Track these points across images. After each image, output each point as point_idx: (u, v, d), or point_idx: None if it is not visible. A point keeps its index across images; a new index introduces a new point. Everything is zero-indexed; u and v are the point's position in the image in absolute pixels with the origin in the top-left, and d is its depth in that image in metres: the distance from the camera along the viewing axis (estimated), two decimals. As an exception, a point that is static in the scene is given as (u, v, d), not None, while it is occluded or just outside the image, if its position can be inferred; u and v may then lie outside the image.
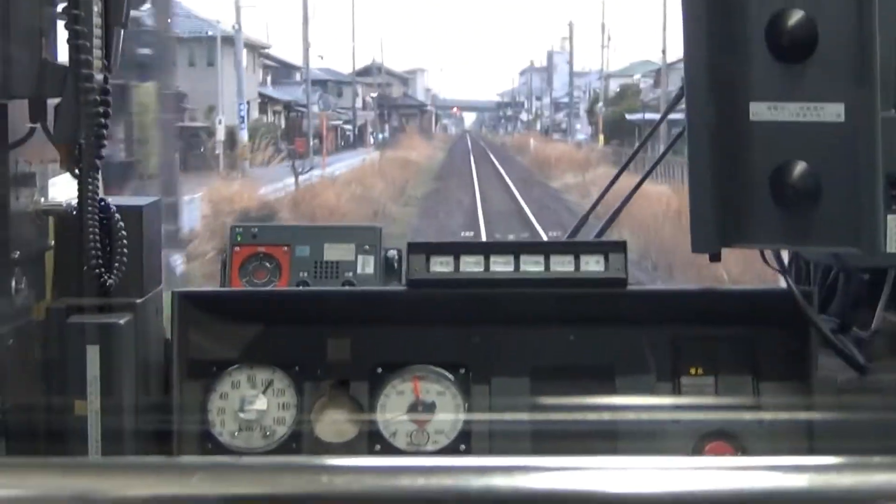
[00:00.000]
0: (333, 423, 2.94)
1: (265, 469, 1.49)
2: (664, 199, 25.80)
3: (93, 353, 2.59)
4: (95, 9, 2.41)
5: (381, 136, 71.98)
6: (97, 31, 2.43)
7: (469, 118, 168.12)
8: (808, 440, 2.88)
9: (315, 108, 51.05)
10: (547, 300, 2.92)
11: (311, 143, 40.06)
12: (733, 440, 2.89)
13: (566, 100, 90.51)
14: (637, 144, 3.83)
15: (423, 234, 27.69)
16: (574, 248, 2.93)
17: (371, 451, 2.91)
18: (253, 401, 2.90)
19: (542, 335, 2.96)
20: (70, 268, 2.67)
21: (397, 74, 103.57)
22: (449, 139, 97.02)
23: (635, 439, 2.90)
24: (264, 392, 2.92)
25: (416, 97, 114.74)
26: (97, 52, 2.42)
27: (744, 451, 2.88)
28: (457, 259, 2.90)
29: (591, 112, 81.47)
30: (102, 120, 2.43)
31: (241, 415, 2.89)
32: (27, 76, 2.36)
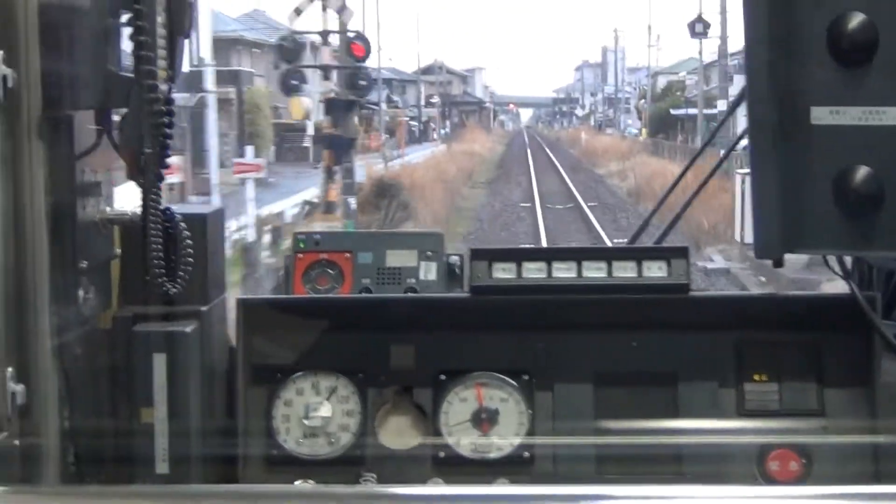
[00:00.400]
0: (397, 429, 2.94)
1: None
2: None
3: (159, 361, 2.60)
4: (159, 19, 2.42)
5: (442, 131, 77.08)
6: (161, 42, 2.44)
7: (525, 114, 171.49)
8: (872, 448, 2.85)
9: (383, 106, 55.66)
10: (609, 306, 2.91)
11: (384, 138, 45.75)
12: (797, 448, 2.86)
13: (625, 95, 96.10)
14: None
15: (491, 207, 34.79)
16: (636, 254, 2.92)
17: (434, 459, 2.90)
18: (317, 408, 2.91)
19: (604, 341, 2.94)
20: (135, 276, 2.68)
21: (457, 73, 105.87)
22: (507, 134, 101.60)
23: (700, 450, 2.88)
24: (329, 399, 2.92)
25: (474, 94, 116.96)
26: (161, 63, 2.43)
27: (808, 460, 2.85)
28: (519, 266, 2.90)
29: (638, 107, 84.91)
30: (167, 129, 2.44)
31: (306, 422, 2.90)
32: (93, 87, 2.38)
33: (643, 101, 77.87)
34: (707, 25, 52.07)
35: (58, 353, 2.39)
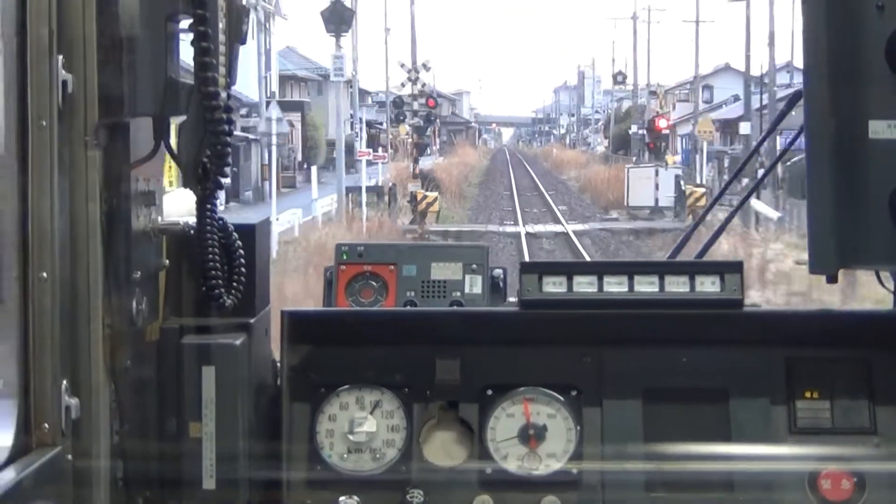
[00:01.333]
0: (443, 445, 2.89)
1: None
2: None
3: (208, 375, 2.55)
4: (220, 26, 2.38)
5: (434, 147, 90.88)
6: (221, 48, 2.40)
7: (507, 133, 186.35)
8: None
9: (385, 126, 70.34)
10: (661, 321, 2.87)
11: (389, 152, 58.14)
12: (849, 466, 2.82)
13: (597, 116, 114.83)
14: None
15: (483, 196, 51.30)
16: (689, 269, 2.88)
17: (481, 475, 2.86)
18: (362, 422, 2.86)
19: (654, 356, 2.90)
20: (183, 287, 2.64)
21: (445, 96, 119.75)
22: (490, 151, 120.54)
23: (752, 477, 2.84)
24: (373, 414, 2.87)
25: (461, 115, 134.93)
26: (221, 70, 2.39)
27: (860, 479, 2.81)
28: (570, 279, 2.85)
29: (606, 128, 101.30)
30: (227, 138, 2.39)
31: (351, 437, 2.85)
32: (151, 93, 2.33)
33: (600, 123, 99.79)
34: (624, 76, 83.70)
35: (110, 366, 2.35)
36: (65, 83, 2.17)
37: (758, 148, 3.47)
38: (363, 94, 78.12)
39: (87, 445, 2.30)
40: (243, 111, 47.47)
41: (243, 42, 2.50)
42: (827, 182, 2.64)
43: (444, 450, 2.89)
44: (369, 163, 46.39)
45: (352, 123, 55.68)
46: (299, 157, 58.94)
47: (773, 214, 30.01)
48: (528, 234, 35.92)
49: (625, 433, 2.86)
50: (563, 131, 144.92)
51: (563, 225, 38.42)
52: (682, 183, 39.88)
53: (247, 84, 46.59)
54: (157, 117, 2.41)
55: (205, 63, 2.32)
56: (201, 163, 2.44)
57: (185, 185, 2.47)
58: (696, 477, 2.84)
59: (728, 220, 3.28)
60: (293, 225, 32.67)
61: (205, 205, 2.48)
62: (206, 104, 2.35)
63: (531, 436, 2.86)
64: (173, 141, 2.50)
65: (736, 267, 2.87)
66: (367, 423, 2.86)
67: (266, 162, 41.20)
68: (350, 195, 38.33)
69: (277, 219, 29.78)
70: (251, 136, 45.26)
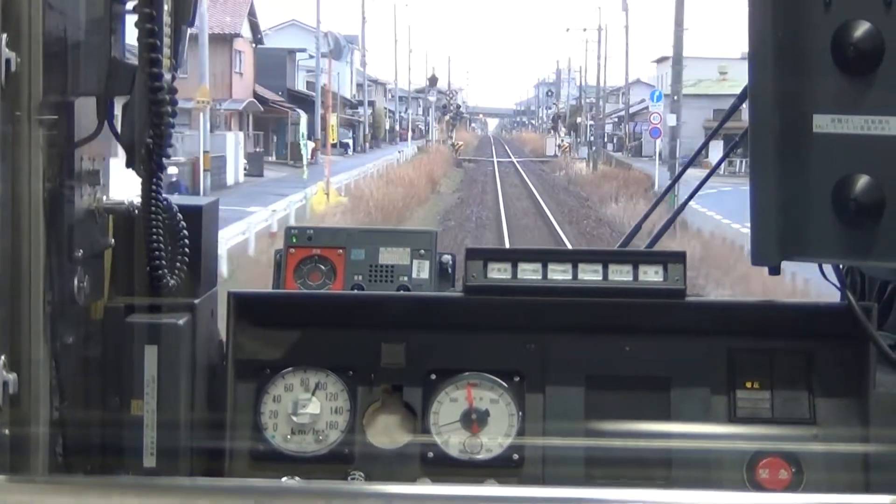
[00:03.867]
0: (386, 428, 2.92)
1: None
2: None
3: (151, 353, 2.57)
4: (166, 7, 2.40)
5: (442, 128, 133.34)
6: (166, 30, 2.42)
7: (492, 123, 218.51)
8: (863, 458, 2.85)
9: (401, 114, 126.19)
10: (604, 309, 2.90)
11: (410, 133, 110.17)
12: (788, 458, 2.85)
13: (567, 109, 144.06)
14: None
15: (475, 161, 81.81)
16: (633, 258, 2.90)
17: (423, 459, 2.88)
18: (306, 404, 2.88)
19: (597, 344, 2.93)
20: (127, 267, 2.66)
21: (444, 91, 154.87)
22: (478, 136, 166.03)
23: (691, 457, 2.87)
24: (317, 395, 2.89)
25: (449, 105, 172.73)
26: (166, 52, 2.41)
27: (798, 468, 2.84)
28: (514, 266, 2.88)
29: (564, 119, 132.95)
30: (170, 119, 2.41)
31: (294, 418, 2.87)
32: (96, 73, 2.35)
33: (553, 113, 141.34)
34: (556, 93, 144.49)
35: (50, 343, 2.36)
36: (8, 61, 2.18)
37: (704, 145, 3.49)
38: (377, 84, 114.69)
39: (26, 420, 2.31)
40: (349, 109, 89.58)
41: (191, 24, 2.52)
42: (770, 174, 2.66)
43: (387, 432, 2.92)
44: (401, 137, 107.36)
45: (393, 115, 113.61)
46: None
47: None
48: (497, 162, 79.85)
49: (566, 419, 2.89)
50: (538, 122, 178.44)
51: (511, 158, 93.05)
52: (560, 144, 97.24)
53: (346, 89, 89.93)
54: (101, 97, 2.43)
55: (149, 44, 2.34)
56: (144, 143, 2.46)
57: (128, 166, 2.48)
58: (636, 454, 2.86)
59: (676, 213, 3.31)
60: (404, 153, 74.84)
61: (149, 185, 2.49)
62: (149, 85, 2.36)
63: (473, 420, 2.88)
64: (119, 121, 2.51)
65: (679, 257, 2.90)
66: (311, 405, 2.88)
67: (366, 133, 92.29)
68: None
69: (401, 151, 75.79)
70: (357, 119, 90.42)
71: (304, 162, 48.52)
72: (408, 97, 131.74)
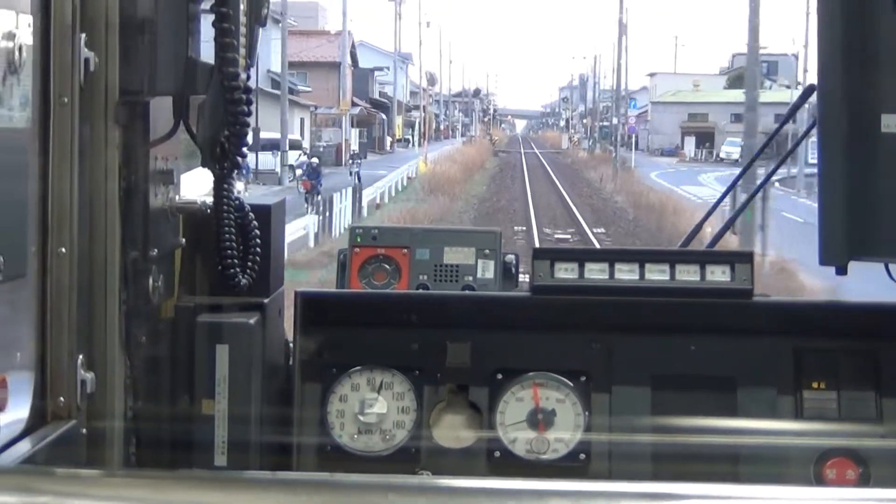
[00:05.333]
0: (452, 428, 2.92)
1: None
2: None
3: (222, 353, 2.58)
4: (242, 7, 2.41)
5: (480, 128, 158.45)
6: (242, 30, 2.43)
7: (520, 124, 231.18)
8: None
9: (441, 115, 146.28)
10: (671, 309, 2.89)
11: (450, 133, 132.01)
12: (855, 457, 2.84)
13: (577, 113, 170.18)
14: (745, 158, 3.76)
15: (507, 153, 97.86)
16: (700, 258, 2.90)
17: (489, 458, 2.88)
18: (372, 404, 2.88)
19: (663, 344, 2.92)
20: (198, 265, 2.67)
21: (482, 97, 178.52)
22: (507, 136, 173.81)
23: (757, 454, 2.86)
24: (383, 395, 2.90)
25: (489, 110, 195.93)
26: (242, 51, 2.42)
27: (865, 468, 2.83)
28: (581, 266, 2.87)
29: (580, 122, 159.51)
30: (246, 119, 2.42)
31: (361, 418, 2.87)
32: (172, 73, 2.36)
33: (572, 117, 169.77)
34: (570, 100, 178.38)
35: (125, 342, 2.38)
36: (87, 61, 2.20)
37: (768, 142, 3.48)
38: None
39: (101, 419, 2.33)
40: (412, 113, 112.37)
41: (263, 24, 2.53)
42: (838, 175, 2.65)
43: (453, 432, 2.92)
44: (444, 136, 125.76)
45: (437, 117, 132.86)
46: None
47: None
48: (524, 152, 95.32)
49: (633, 419, 2.89)
50: (563, 123, 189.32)
51: (534, 150, 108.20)
52: (570, 139, 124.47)
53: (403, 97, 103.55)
54: (177, 97, 2.44)
55: (225, 44, 2.35)
56: (219, 142, 2.46)
57: (203, 165, 2.49)
58: (702, 451, 2.86)
59: (738, 212, 3.29)
60: (456, 145, 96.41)
61: (222, 184, 2.50)
62: (225, 85, 2.37)
63: (540, 420, 2.88)
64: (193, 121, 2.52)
65: (746, 257, 2.89)
66: (378, 405, 2.88)
67: (423, 130, 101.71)
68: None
69: (452, 143, 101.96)
70: (413, 120, 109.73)
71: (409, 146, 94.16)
72: (448, 101, 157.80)
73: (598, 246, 28.89)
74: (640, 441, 2.88)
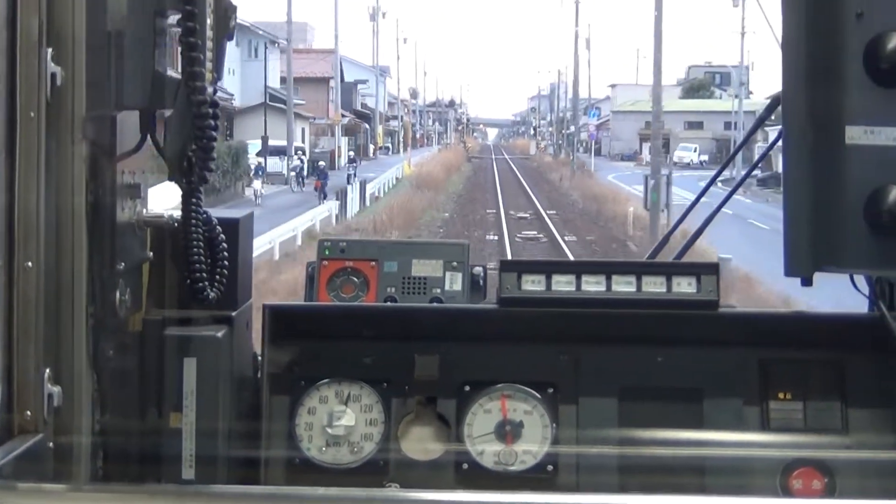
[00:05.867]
0: (420, 440, 2.93)
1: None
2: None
3: (190, 366, 2.58)
4: (208, 21, 2.41)
5: (454, 136, 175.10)
6: (209, 44, 2.43)
7: (492, 133, 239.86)
8: (895, 466, 2.86)
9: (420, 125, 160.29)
10: (637, 320, 2.91)
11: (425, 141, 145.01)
12: (822, 468, 2.86)
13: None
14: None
15: (479, 160, 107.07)
16: (666, 270, 2.91)
17: (458, 470, 2.89)
18: (340, 416, 2.89)
19: (630, 355, 2.94)
20: (165, 279, 2.67)
21: (446, 104, 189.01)
22: (480, 144, 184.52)
23: (724, 465, 2.88)
24: (352, 407, 2.90)
25: (461, 119, 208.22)
26: (208, 65, 2.42)
27: (831, 479, 2.85)
28: (548, 278, 2.89)
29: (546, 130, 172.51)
30: (212, 132, 2.42)
31: (329, 430, 2.88)
32: (139, 87, 2.36)
33: (540, 125, 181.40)
34: (537, 110, 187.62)
35: (93, 355, 2.37)
36: (53, 76, 2.20)
37: (735, 154, 3.49)
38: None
39: (68, 432, 2.32)
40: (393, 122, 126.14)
41: (230, 38, 2.53)
42: (803, 185, 2.67)
43: (421, 444, 2.92)
44: (420, 144, 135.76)
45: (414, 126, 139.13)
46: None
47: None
48: (495, 158, 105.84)
49: (600, 429, 2.90)
50: (532, 132, 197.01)
51: (504, 156, 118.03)
52: (538, 146, 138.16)
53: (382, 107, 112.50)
54: (144, 111, 2.44)
55: (192, 58, 2.35)
56: (186, 156, 2.47)
57: (171, 179, 2.49)
58: (669, 462, 2.87)
59: (705, 223, 3.31)
60: (433, 152, 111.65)
61: (189, 198, 2.50)
62: (192, 98, 2.38)
63: (507, 432, 2.89)
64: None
65: (712, 269, 2.91)
66: (346, 417, 2.89)
67: (401, 139, 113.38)
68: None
69: (429, 150, 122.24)
70: (395, 129, 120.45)
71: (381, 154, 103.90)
72: (423, 111, 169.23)
73: (553, 229, 37.16)
74: (608, 453, 2.89)
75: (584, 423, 2.92)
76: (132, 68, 2.33)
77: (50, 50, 2.19)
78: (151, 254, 2.63)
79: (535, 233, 37.46)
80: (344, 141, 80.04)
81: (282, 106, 61.05)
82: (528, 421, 2.90)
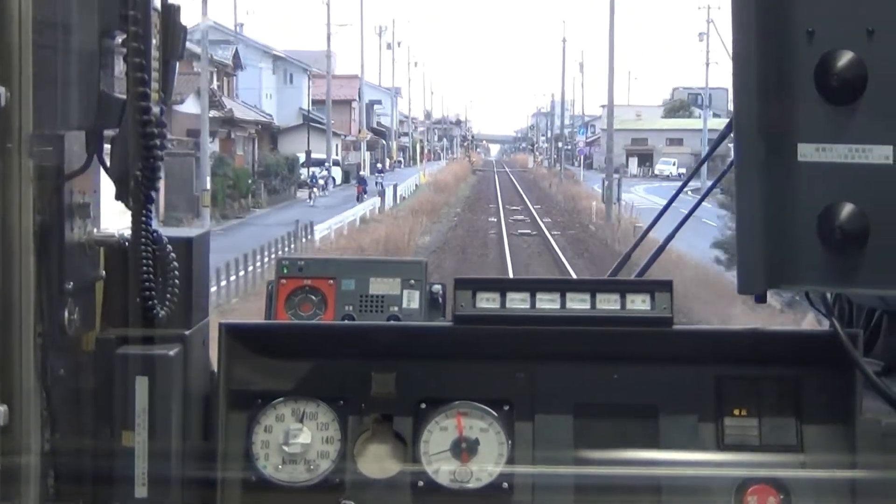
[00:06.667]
0: (376, 458, 2.93)
1: None
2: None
3: (141, 385, 2.59)
4: (154, 41, 2.42)
5: (459, 152, 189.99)
6: (155, 64, 2.45)
7: (494, 148, 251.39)
8: (850, 484, 2.86)
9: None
10: (592, 338, 2.91)
11: (432, 156, 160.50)
12: (777, 485, 2.86)
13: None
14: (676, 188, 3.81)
15: (482, 173, 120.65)
16: (620, 287, 2.92)
17: (414, 488, 2.89)
18: (297, 434, 2.89)
19: (585, 372, 2.94)
20: (119, 298, 2.67)
21: (453, 122, 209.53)
22: (483, 159, 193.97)
23: (679, 484, 2.88)
24: (308, 425, 2.91)
25: (465, 136, 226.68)
26: (155, 85, 2.43)
27: (787, 497, 2.85)
28: (503, 296, 2.89)
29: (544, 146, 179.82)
30: (158, 152, 2.43)
31: (285, 448, 2.88)
32: (85, 107, 2.38)
33: (540, 142, 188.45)
34: (536, 128, 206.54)
35: (41, 374, 2.38)
36: None
37: (695, 172, 3.50)
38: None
39: (17, 452, 2.33)
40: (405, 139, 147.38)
41: (180, 58, 2.54)
42: (756, 203, 2.68)
43: (377, 462, 2.93)
44: (428, 159, 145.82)
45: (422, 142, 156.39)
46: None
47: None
48: (497, 171, 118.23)
49: (556, 447, 2.90)
50: (531, 147, 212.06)
51: (505, 169, 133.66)
52: (535, 159, 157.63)
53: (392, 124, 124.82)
54: (91, 131, 2.45)
55: (138, 78, 2.36)
56: (133, 176, 2.48)
57: (118, 198, 2.50)
58: (625, 482, 2.88)
59: (665, 242, 3.33)
60: (441, 165, 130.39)
61: (139, 217, 2.51)
62: (137, 118, 2.39)
63: (464, 449, 2.90)
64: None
65: (666, 286, 2.91)
66: (302, 435, 2.89)
67: (412, 154, 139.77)
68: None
69: (438, 163, 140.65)
70: (405, 145, 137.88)
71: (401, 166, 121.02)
72: (429, 128, 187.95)
73: (536, 216, 54.95)
74: (563, 472, 2.89)
75: (539, 440, 2.92)
76: (78, 88, 2.34)
77: None
78: (104, 273, 2.65)
79: (523, 218, 55.41)
80: (367, 155, 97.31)
81: (315, 125, 77.61)
82: (484, 438, 2.91)
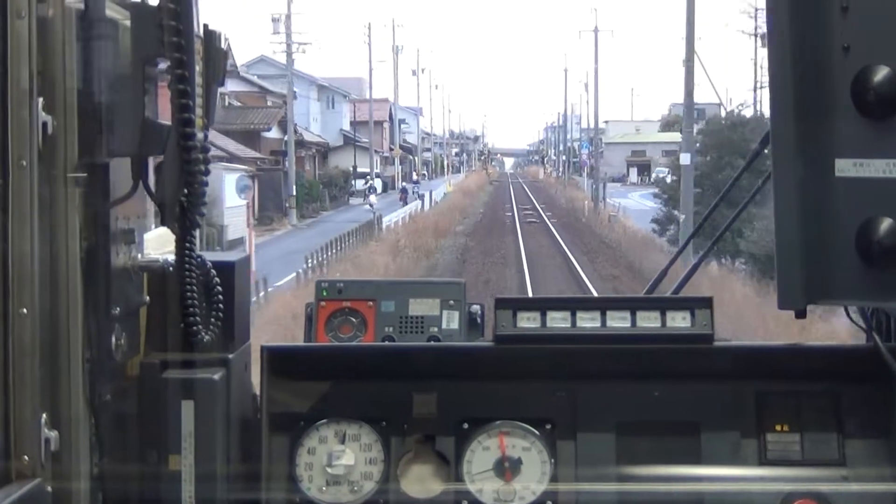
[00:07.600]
0: (419, 478, 2.94)
1: None
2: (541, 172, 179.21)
3: (187, 409, 2.60)
4: (197, 68, 2.44)
5: (475, 165, 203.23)
6: (198, 90, 2.46)
7: (508, 161, 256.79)
8: (893, 498, 2.86)
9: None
10: (633, 356, 2.92)
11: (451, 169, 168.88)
12: (819, 499, 2.86)
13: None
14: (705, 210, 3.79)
15: (498, 184, 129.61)
16: (660, 304, 2.93)
17: None
18: (340, 455, 2.90)
19: (627, 390, 2.95)
20: (162, 323, 2.69)
21: (470, 136, 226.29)
22: (498, 172, 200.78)
23: (722, 500, 2.88)
24: (351, 447, 2.92)
25: (482, 150, 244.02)
26: (199, 111, 2.45)
27: None
28: (543, 315, 2.90)
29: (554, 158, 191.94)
30: (203, 178, 2.45)
31: (329, 469, 2.89)
32: (129, 134, 2.39)
33: (551, 155, 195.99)
34: (546, 142, 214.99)
35: (90, 400, 2.40)
36: (45, 124, 2.23)
37: (729, 188, 3.50)
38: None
39: (67, 477, 2.34)
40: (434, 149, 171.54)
41: (221, 84, 2.56)
42: (794, 219, 2.68)
43: (420, 482, 2.93)
44: (446, 172, 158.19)
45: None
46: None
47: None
48: (511, 182, 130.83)
49: (598, 465, 2.91)
50: (547, 160, 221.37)
51: (519, 180, 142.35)
52: (545, 171, 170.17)
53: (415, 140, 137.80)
54: (136, 157, 2.47)
55: (182, 105, 2.38)
56: (179, 202, 2.49)
57: (164, 224, 2.52)
58: (668, 498, 2.88)
59: (702, 258, 3.33)
60: (461, 177, 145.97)
61: (183, 243, 2.53)
62: (182, 144, 2.41)
63: (506, 469, 2.90)
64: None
65: (706, 302, 2.92)
66: (346, 457, 2.90)
67: (434, 168, 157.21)
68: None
69: (458, 175, 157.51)
70: (428, 160, 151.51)
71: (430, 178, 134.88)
72: (447, 144, 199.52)
73: (541, 211, 68.80)
74: (606, 489, 2.89)
75: (582, 459, 2.92)
76: (122, 116, 2.36)
77: (41, 99, 2.23)
78: (148, 298, 2.66)
79: (531, 212, 69.99)
80: (398, 168, 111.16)
81: (358, 143, 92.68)
82: (527, 458, 2.91)
